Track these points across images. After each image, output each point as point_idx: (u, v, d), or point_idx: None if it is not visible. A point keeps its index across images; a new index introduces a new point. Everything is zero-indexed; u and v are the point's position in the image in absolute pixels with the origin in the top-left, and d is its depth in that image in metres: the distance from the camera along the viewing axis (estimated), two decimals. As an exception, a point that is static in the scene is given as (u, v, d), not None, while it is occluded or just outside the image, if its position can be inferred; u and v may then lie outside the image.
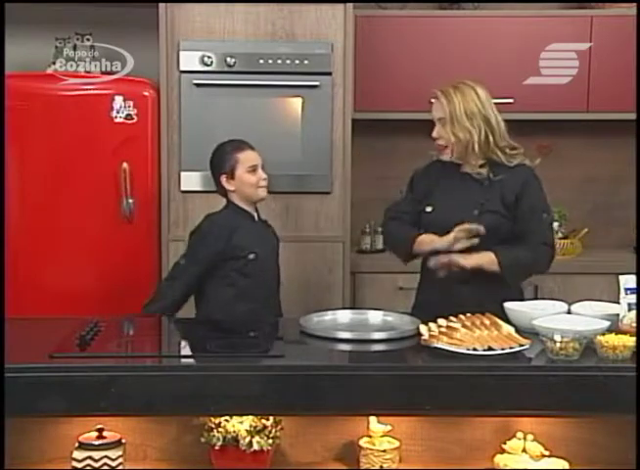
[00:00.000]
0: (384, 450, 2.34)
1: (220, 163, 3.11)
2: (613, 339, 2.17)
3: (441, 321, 2.34)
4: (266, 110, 3.72)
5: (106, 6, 3.98)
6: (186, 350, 2.38)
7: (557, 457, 2.34)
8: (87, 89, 3.69)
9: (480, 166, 2.82)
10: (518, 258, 2.76)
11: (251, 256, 3.06)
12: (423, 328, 2.31)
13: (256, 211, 3.18)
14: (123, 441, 2.31)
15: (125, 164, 3.65)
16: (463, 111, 2.76)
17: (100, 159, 3.68)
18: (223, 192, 3.13)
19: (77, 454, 2.27)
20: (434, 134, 2.83)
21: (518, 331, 2.30)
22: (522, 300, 2.74)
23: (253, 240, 3.09)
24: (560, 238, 4.03)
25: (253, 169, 3.07)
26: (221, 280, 3.06)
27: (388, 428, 2.37)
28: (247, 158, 3.08)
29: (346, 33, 3.67)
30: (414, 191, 2.98)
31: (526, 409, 2.17)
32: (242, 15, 3.66)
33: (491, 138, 2.78)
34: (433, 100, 2.85)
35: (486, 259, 2.74)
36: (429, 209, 2.88)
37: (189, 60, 3.66)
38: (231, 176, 3.08)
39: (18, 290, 3.46)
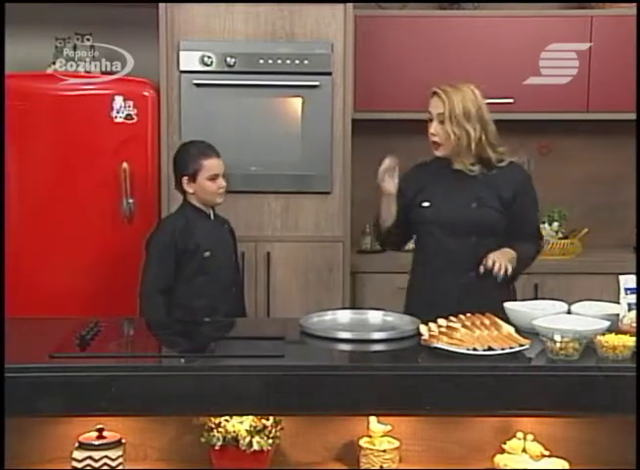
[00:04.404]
0: (384, 450, 2.34)
1: (184, 164, 3.19)
2: (613, 339, 2.17)
3: (441, 321, 2.35)
4: (266, 110, 3.72)
5: (106, 6, 3.97)
6: (186, 350, 2.38)
7: (557, 457, 2.34)
8: (87, 89, 3.69)
9: (472, 164, 2.89)
10: (528, 253, 2.88)
11: (207, 254, 3.12)
12: (423, 328, 2.31)
13: (212, 208, 3.23)
14: (123, 441, 2.30)
15: (125, 164, 3.65)
16: (462, 110, 2.82)
17: (100, 159, 3.68)
18: (182, 191, 3.21)
19: (77, 454, 2.26)
20: (432, 130, 2.88)
21: (518, 331, 2.30)
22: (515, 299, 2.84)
23: (208, 238, 3.15)
24: (560, 238, 4.03)
25: (214, 178, 3.14)
26: (178, 279, 3.12)
27: (388, 428, 2.36)
28: (210, 165, 3.15)
29: (346, 33, 3.67)
30: (404, 187, 2.98)
31: (526, 409, 2.16)
32: (242, 15, 3.66)
33: (484, 138, 2.85)
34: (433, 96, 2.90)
35: (510, 256, 2.80)
36: (426, 203, 2.93)
37: (189, 60, 3.66)
38: (192, 180, 3.15)
39: (18, 290, 3.46)
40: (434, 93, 2.87)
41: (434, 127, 2.87)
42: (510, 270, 2.73)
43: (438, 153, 2.90)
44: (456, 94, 2.83)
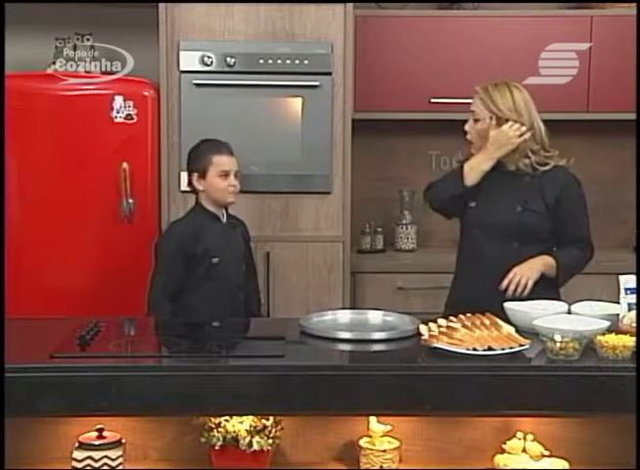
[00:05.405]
0: (384, 450, 2.34)
1: (195, 161, 3.14)
2: (613, 339, 2.17)
3: (441, 321, 2.35)
4: (266, 110, 3.72)
5: (106, 6, 3.98)
6: (186, 350, 2.38)
7: (557, 457, 2.34)
8: (87, 89, 3.69)
9: (515, 166, 2.85)
10: (571, 260, 2.85)
11: (215, 260, 3.06)
12: (423, 328, 2.31)
13: (226, 209, 3.18)
14: (123, 441, 2.30)
15: (125, 164, 3.65)
16: (489, 111, 2.81)
17: (100, 159, 3.68)
18: (194, 190, 3.16)
19: (77, 454, 2.26)
20: (465, 127, 2.89)
21: (518, 331, 2.30)
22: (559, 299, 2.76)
23: (217, 244, 3.09)
24: (560, 238, 4.02)
25: (225, 175, 3.08)
26: (186, 284, 3.07)
27: (388, 428, 2.36)
28: (220, 162, 3.09)
29: (346, 33, 3.67)
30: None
31: (526, 409, 2.16)
32: (242, 15, 3.66)
33: None
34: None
35: (542, 263, 2.79)
36: (472, 204, 2.90)
37: (189, 60, 3.66)
38: (202, 177, 3.10)
39: (18, 290, 3.46)
40: (476, 91, 2.87)
41: (468, 125, 2.88)
42: (529, 287, 2.72)
43: (473, 150, 2.89)
44: (489, 94, 2.82)
